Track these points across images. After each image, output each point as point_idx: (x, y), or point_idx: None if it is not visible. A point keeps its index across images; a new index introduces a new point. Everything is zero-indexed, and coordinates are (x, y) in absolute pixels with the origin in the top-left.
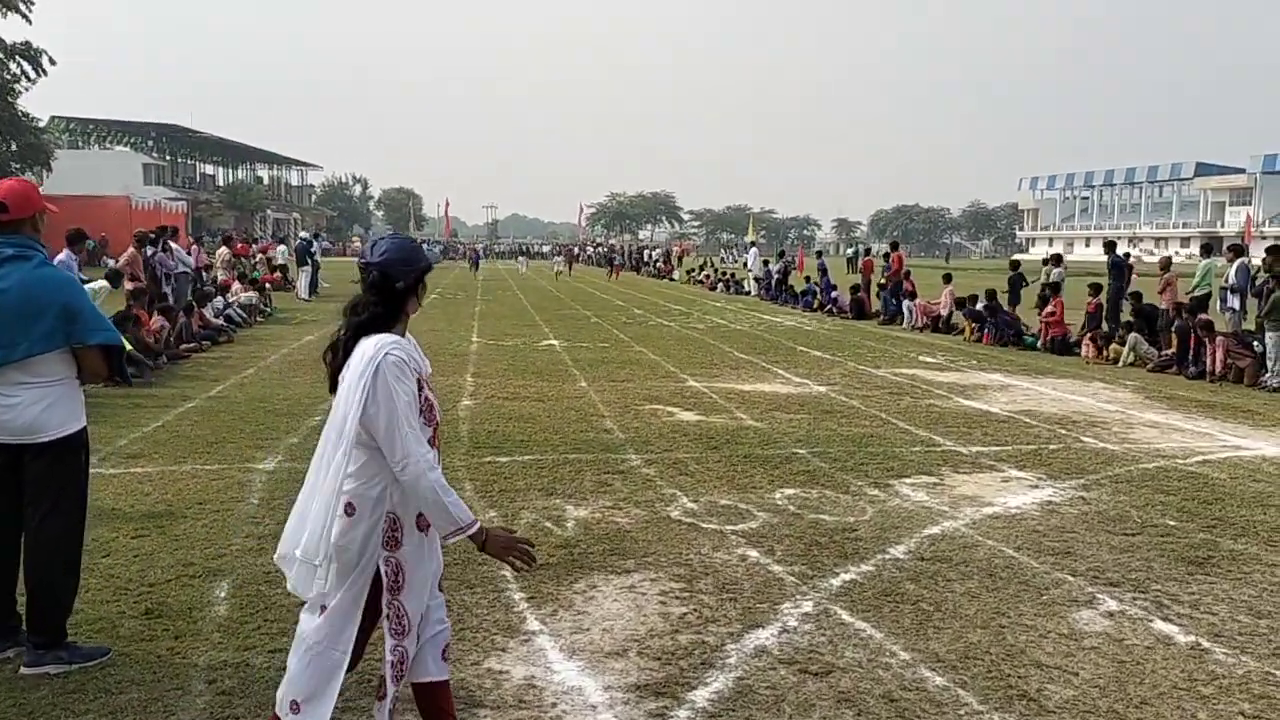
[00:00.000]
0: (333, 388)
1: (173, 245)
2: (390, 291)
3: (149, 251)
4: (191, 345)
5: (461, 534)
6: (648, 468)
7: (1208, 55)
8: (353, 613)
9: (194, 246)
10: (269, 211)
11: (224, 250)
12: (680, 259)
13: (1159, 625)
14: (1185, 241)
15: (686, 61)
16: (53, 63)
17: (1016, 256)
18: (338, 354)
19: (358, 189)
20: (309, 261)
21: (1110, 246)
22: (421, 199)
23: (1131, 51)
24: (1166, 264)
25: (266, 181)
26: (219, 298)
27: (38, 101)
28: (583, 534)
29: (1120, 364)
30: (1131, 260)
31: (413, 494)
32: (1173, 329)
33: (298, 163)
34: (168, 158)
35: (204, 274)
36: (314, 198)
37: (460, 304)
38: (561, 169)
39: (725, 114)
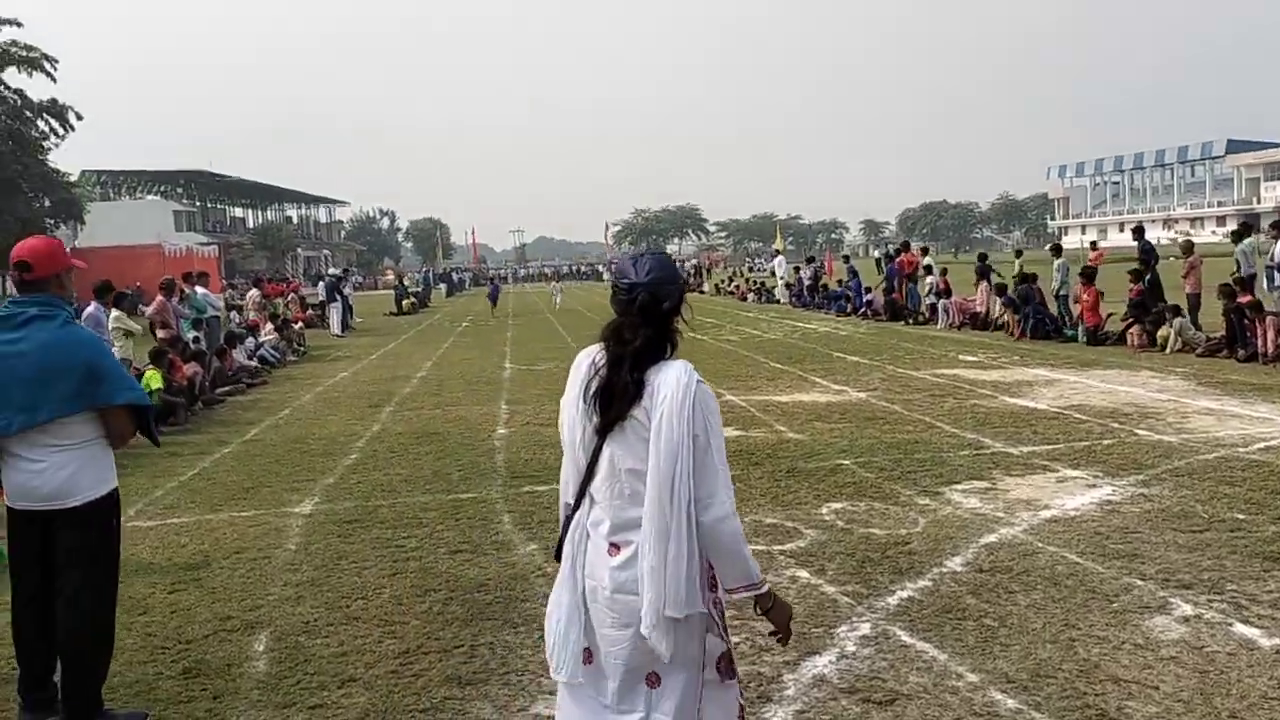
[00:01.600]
0: (609, 426)
1: (198, 290)
2: (660, 314)
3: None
4: (226, 389)
5: (753, 591)
6: None
7: (1236, 24)
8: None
9: (227, 289)
10: (299, 250)
11: (254, 292)
12: (709, 271)
13: (1239, 629)
14: (1221, 220)
15: (698, 75)
16: (79, 118)
17: (1059, 243)
18: (628, 390)
19: (386, 222)
20: (338, 298)
21: (1139, 232)
22: (449, 228)
23: (1149, 29)
24: (1189, 247)
25: (296, 221)
26: (250, 339)
27: (60, 154)
28: None
29: (1168, 350)
30: (1166, 243)
31: (710, 538)
32: (1222, 313)
33: (325, 200)
34: (197, 204)
35: (234, 315)
36: (343, 233)
37: (492, 330)
38: (586, 189)
39: (747, 122)
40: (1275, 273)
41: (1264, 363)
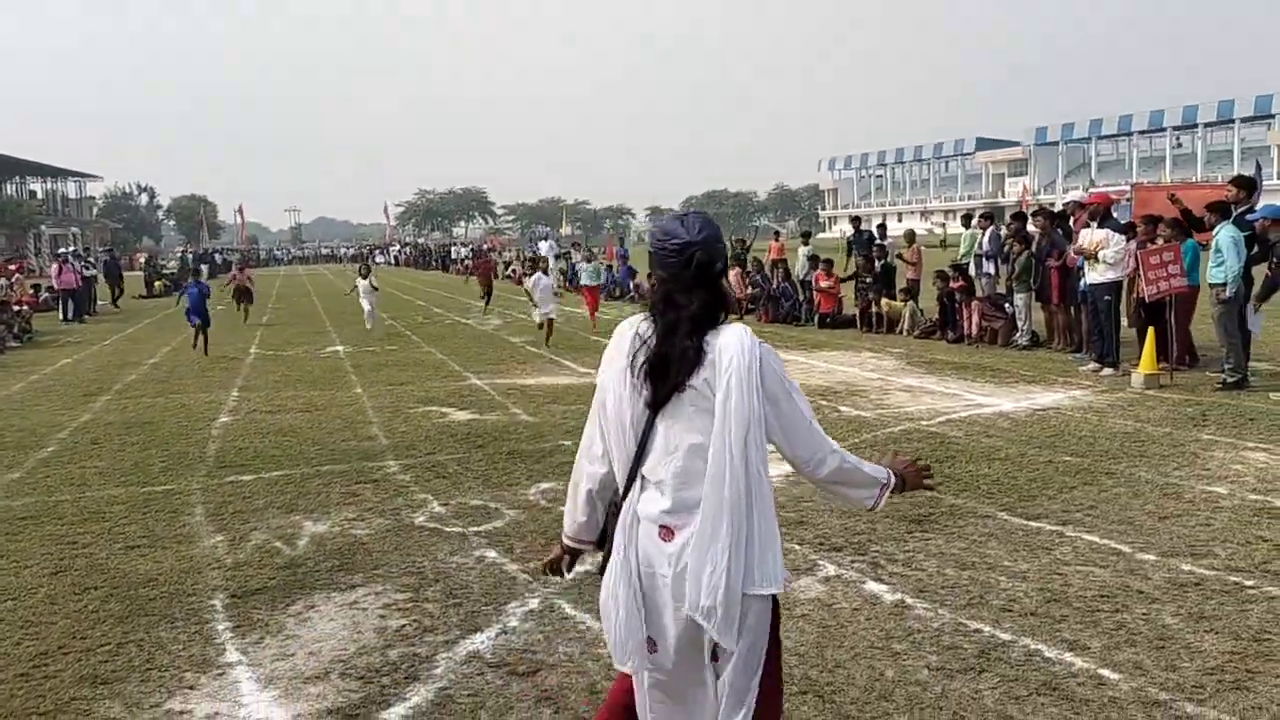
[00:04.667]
0: (664, 400)
1: None
2: (714, 274)
3: None
4: None
5: (887, 490)
6: (404, 473)
7: (993, 31)
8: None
9: None
10: (44, 228)
11: None
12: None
13: (870, 586)
14: (972, 213)
15: (486, 51)
16: None
17: (808, 229)
18: (687, 357)
19: (144, 198)
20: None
21: (855, 221)
22: (216, 206)
23: (918, 33)
24: (911, 236)
25: (40, 195)
26: None
27: None
28: (314, 551)
29: (899, 330)
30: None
31: (839, 483)
32: (936, 297)
33: (74, 174)
34: None
35: None
36: (95, 210)
37: (249, 311)
38: (367, 168)
39: (536, 103)
40: (984, 260)
41: (969, 343)
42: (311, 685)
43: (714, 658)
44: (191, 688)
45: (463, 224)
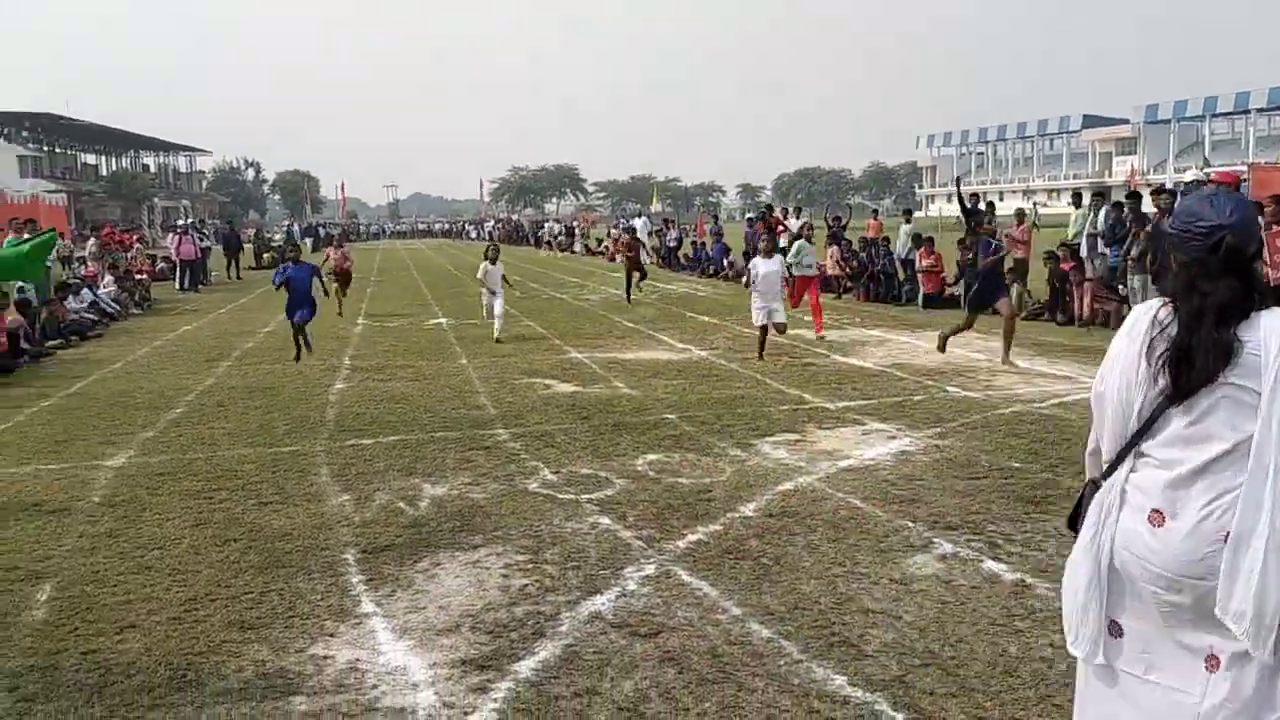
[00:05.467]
0: (1187, 392)
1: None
2: (1246, 259)
3: None
4: (55, 342)
5: None
6: (514, 441)
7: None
8: None
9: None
10: (157, 200)
11: (91, 241)
12: (586, 231)
13: (989, 565)
14: (1080, 192)
15: (584, 30)
16: None
17: (909, 207)
18: (1217, 349)
19: (250, 173)
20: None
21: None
22: (319, 181)
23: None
24: (1021, 214)
25: (153, 169)
26: (86, 290)
27: None
28: (435, 512)
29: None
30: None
31: None
32: (1046, 279)
33: (185, 148)
34: (45, 148)
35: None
36: (204, 184)
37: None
38: (463, 145)
39: (627, 81)
40: (1098, 241)
41: (1079, 325)
42: (444, 637)
43: (1212, 662)
44: (332, 635)
45: (554, 200)
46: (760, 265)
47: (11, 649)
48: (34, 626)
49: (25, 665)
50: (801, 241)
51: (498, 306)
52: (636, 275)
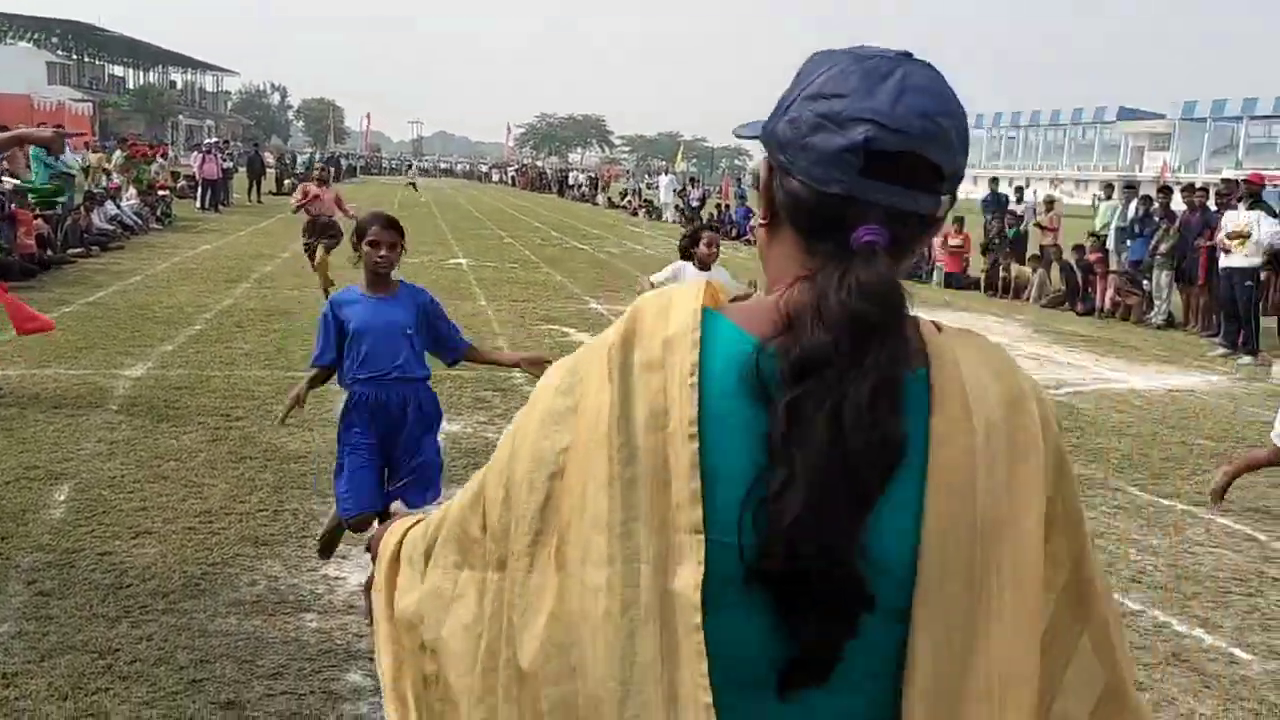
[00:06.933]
0: None
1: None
2: None
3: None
4: (77, 250)
5: None
6: (529, 385)
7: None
8: None
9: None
10: (181, 118)
11: (117, 153)
12: (607, 185)
13: None
14: (1111, 184)
15: None
16: None
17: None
18: None
19: (276, 98)
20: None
21: (994, 182)
22: (343, 110)
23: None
24: (1051, 202)
25: (180, 86)
26: (109, 202)
27: None
28: (450, 447)
29: (1025, 297)
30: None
31: None
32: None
33: (213, 68)
34: (74, 57)
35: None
36: (229, 105)
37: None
38: (490, 85)
39: (657, 36)
40: (1125, 233)
41: (1100, 317)
42: None
43: None
44: (344, 557)
45: (580, 150)
46: None
47: (29, 544)
48: (52, 524)
49: (43, 561)
50: None
51: None
52: None
